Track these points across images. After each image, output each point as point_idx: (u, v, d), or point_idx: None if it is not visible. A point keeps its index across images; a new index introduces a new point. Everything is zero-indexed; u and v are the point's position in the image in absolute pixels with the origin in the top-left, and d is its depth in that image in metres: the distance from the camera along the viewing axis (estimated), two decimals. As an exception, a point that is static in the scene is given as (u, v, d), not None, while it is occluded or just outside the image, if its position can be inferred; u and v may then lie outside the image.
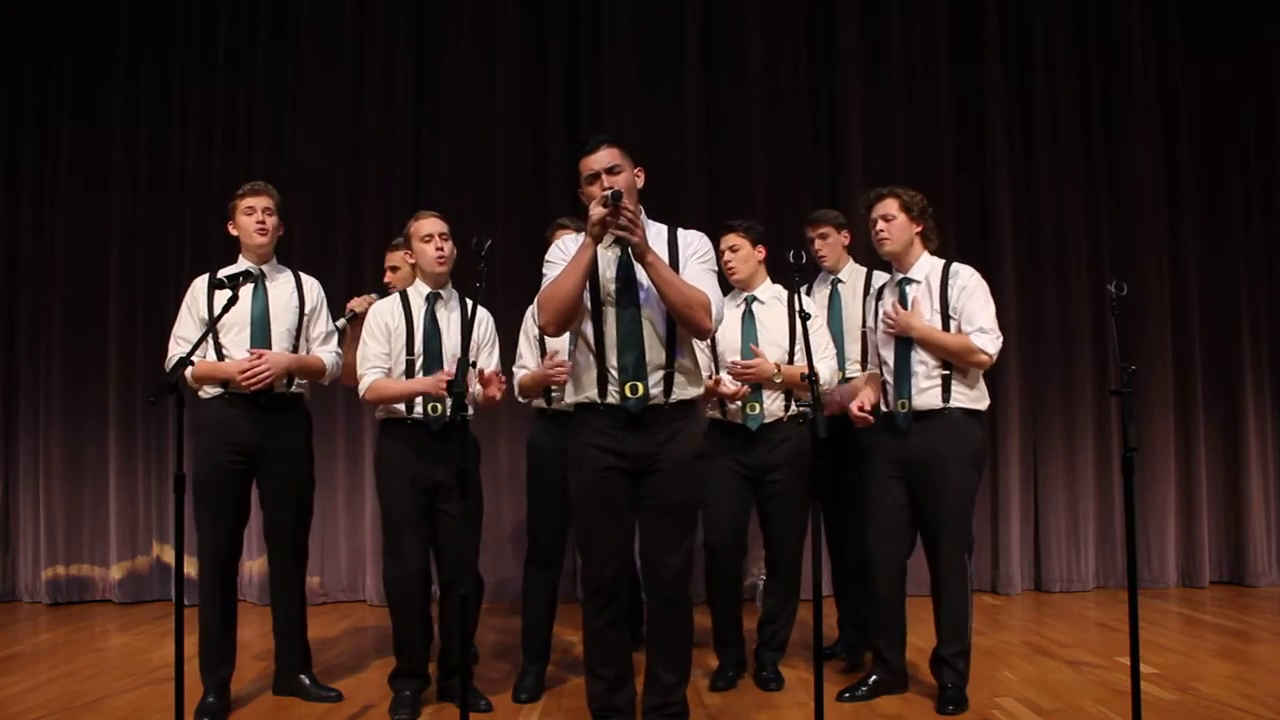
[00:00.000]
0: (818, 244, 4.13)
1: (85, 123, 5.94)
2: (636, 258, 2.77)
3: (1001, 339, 3.47)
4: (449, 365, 3.44)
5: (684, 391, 2.88)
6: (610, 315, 2.83)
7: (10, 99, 5.99)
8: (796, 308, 3.14)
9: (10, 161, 5.99)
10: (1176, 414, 5.87)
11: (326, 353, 3.74)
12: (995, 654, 4.23)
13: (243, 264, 3.64)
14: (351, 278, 5.47)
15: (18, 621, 5.36)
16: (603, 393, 2.83)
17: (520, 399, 3.83)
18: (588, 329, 2.86)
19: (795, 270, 3.14)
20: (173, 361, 3.36)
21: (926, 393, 3.44)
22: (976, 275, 3.53)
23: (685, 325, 2.82)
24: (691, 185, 5.81)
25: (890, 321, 3.48)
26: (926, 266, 3.55)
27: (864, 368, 3.94)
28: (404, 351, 3.51)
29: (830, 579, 4.42)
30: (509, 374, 3.81)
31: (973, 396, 3.47)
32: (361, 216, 5.82)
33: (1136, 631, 2.89)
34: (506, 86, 5.93)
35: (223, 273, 3.56)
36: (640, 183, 2.92)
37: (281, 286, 3.67)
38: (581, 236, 2.82)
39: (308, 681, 3.70)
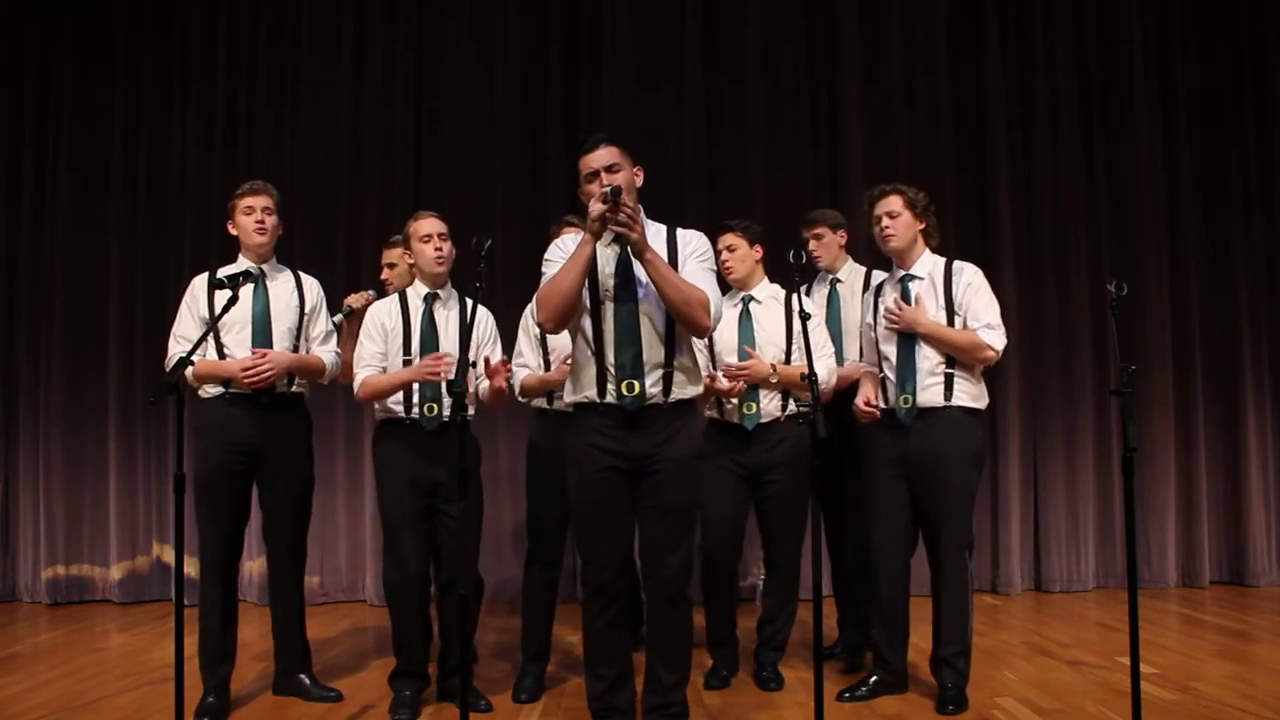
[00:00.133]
0: (813, 244, 4.13)
1: (85, 123, 5.94)
2: (635, 255, 2.77)
3: (1006, 336, 3.49)
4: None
5: (683, 391, 2.88)
6: (609, 312, 2.83)
7: (10, 99, 5.99)
8: (796, 308, 3.14)
9: (10, 161, 5.99)
10: (1176, 414, 5.86)
11: (326, 352, 3.74)
12: (995, 654, 4.23)
13: (242, 263, 3.64)
14: (351, 277, 5.45)
15: (18, 621, 5.36)
16: (601, 392, 2.83)
17: (520, 399, 3.82)
18: (586, 326, 2.86)
19: (795, 270, 3.14)
20: (173, 361, 3.36)
21: (929, 390, 3.44)
22: (980, 272, 3.55)
23: (684, 323, 2.81)
24: (691, 185, 5.81)
25: (894, 317, 3.49)
26: (929, 264, 3.56)
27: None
28: (400, 352, 3.51)
29: (830, 579, 4.42)
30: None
31: (973, 395, 3.48)
32: (361, 216, 5.82)
33: (1136, 631, 2.89)
34: (506, 86, 5.93)
35: (222, 272, 3.56)
36: (639, 181, 2.92)
37: (281, 286, 3.67)
38: (582, 235, 2.82)
39: (308, 681, 3.69)
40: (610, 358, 2.82)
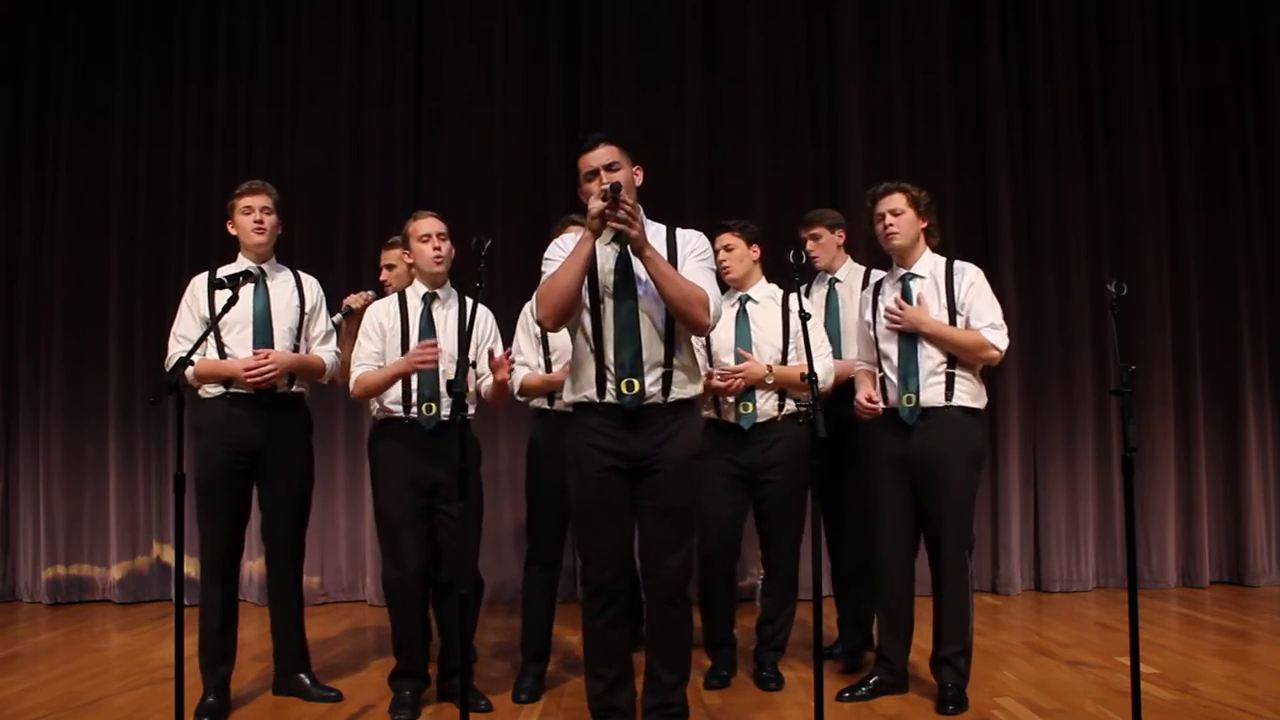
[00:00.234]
0: (810, 244, 4.12)
1: (85, 123, 5.94)
2: (635, 252, 2.77)
3: (1008, 335, 3.49)
4: (445, 366, 3.44)
5: (683, 390, 2.87)
6: (608, 309, 2.83)
7: (10, 99, 5.99)
8: (796, 308, 3.14)
9: (10, 161, 5.99)
10: (1176, 414, 5.86)
11: (326, 352, 3.74)
12: (995, 654, 4.23)
13: (242, 263, 3.64)
14: (351, 277, 5.45)
15: (18, 621, 5.36)
16: (601, 391, 2.83)
17: (519, 398, 3.82)
18: (586, 323, 2.86)
19: (794, 270, 3.14)
20: (173, 361, 3.35)
21: (930, 389, 3.44)
22: (981, 273, 3.55)
23: (683, 321, 2.81)
24: (691, 185, 5.81)
25: (896, 316, 3.48)
26: (930, 263, 3.56)
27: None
28: (399, 351, 3.50)
29: (830, 579, 4.42)
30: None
31: (973, 394, 3.48)
32: (361, 216, 5.82)
33: (1136, 631, 2.89)
34: (506, 86, 5.93)
35: (222, 272, 3.56)
36: (639, 181, 2.92)
37: (281, 285, 3.67)
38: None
39: (308, 681, 3.70)
40: (610, 356, 2.82)
